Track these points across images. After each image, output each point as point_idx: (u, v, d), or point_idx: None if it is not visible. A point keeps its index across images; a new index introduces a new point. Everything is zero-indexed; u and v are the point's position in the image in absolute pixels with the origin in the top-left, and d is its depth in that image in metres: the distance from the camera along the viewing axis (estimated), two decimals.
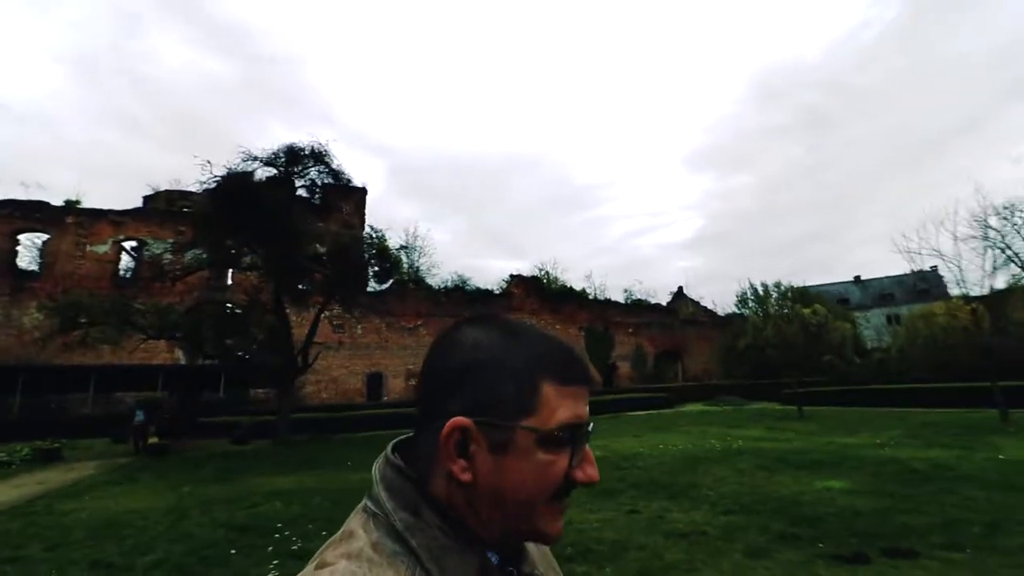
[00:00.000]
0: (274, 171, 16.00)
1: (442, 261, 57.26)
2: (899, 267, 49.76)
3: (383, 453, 0.60)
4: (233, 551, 5.10)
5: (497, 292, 32.70)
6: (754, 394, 26.79)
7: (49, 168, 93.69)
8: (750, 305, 34.14)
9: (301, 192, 17.08)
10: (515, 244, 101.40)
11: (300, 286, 17.20)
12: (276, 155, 15.92)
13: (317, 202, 18.29)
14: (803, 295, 34.21)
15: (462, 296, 31.02)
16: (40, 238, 23.64)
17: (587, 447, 0.58)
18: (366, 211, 29.04)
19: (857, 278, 56.59)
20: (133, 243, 24.99)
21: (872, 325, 48.57)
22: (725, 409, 22.57)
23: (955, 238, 14.74)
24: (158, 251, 22.89)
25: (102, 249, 23.86)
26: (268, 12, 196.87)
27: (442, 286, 31.49)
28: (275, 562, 4.63)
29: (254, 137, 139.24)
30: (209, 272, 21.46)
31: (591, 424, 0.58)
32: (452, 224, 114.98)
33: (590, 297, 35.79)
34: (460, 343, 0.58)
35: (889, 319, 48.82)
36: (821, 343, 27.71)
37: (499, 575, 0.56)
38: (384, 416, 19.81)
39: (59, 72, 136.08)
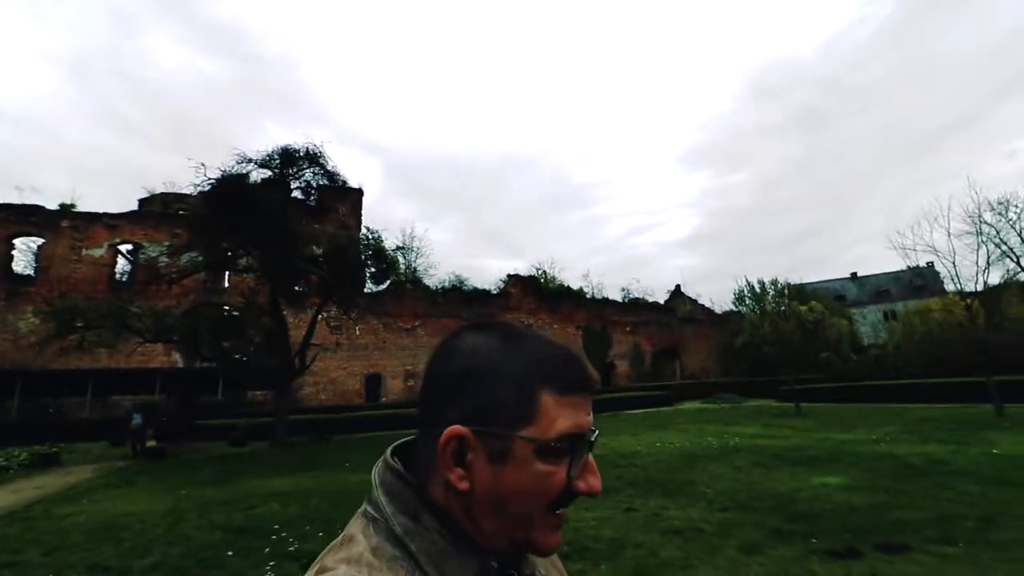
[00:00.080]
0: (269, 173, 16.00)
1: (439, 261, 57.58)
2: (895, 264, 50.08)
3: (382, 457, 0.60)
4: (230, 553, 5.10)
5: (494, 292, 32.71)
6: (752, 391, 26.89)
7: (43, 171, 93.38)
8: (747, 303, 34.21)
9: (296, 194, 17.09)
10: (513, 244, 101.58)
11: (296, 288, 17.20)
12: (271, 157, 15.92)
13: (313, 203, 18.27)
14: (800, 292, 34.31)
15: (460, 296, 31.03)
16: (35, 242, 23.55)
17: (589, 456, 0.56)
18: (362, 212, 29.02)
19: (854, 275, 56.76)
20: (129, 246, 24.92)
21: (868, 321, 48.76)
22: (723, 407, 22.64)
23: (949, 234, 14.80)
24: (154, 254, 22.87)
25: (98, 253, 23.78)
26: (264, 12, 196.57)
27: (440, 286, 31.49)
28: (272, 563, 4.64)
29: (250, 138, 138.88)
30: (205, 275, 21.43)
31: (594, 432, 0.57)
32: (449, 224, 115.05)
33: (587, 296, 35.84)
34: (460, 349, 0.57)
35: (886, 315, 49.02)
36: (818, 340, 27.78)
37: None
38: (382, 417, 19.82)
39: (54, 74, 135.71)
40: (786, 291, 33.55)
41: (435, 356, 0.59)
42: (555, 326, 32.39)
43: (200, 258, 16.63)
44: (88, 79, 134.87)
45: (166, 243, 22.50)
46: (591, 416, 0.57)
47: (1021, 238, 27.84)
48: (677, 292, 42.53)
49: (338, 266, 16.01)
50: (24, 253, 23.71)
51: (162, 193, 26.64)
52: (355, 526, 0.55)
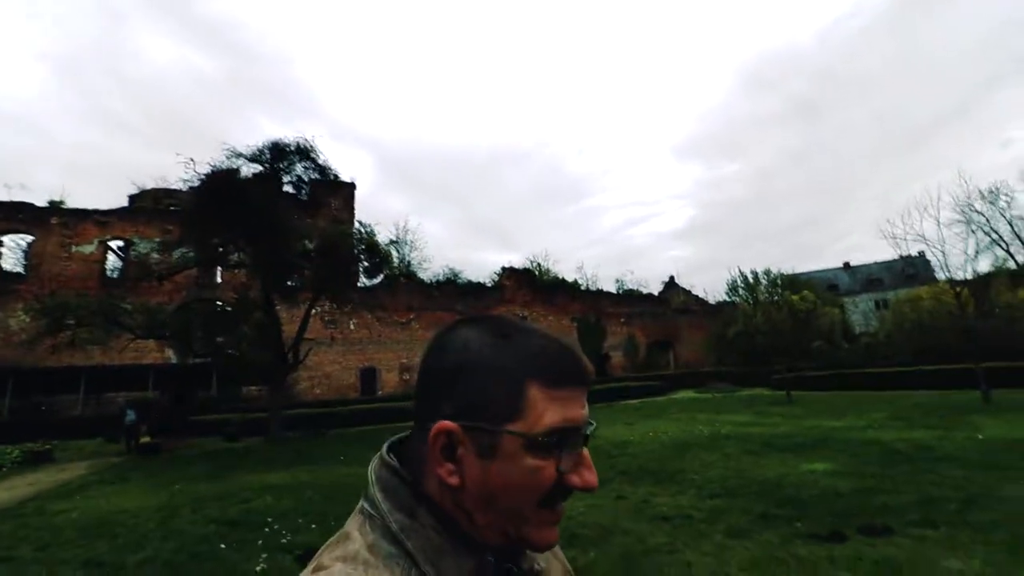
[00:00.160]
0: (259, 168, 15.88)
1: (434, 255, 57.56)
2: (888, 253, 50.32)
3: (378, 453, 0.59)
4: (223, 546, 5.13)
5: (489, 285, 32.72)
6: (745, 380, 27.09)
7: (32, 168, 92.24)
8: (740, 293, 34.40)
9: (288, 188, 16.97)
10: (507, 237, 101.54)
11: (289, 283, 17.11)
12: (261, 151, 15.80)
13: (304, 198, 18.17)
14: (792, 282, 34.52)
15: (454, 289, 31.02)
16: (25, 239, 23.33)
17: (584, 450, 0.55)
18: (355, 206, 28.91)
19: (846, 264, 57.07)
20: (119, 243, 24.72)
21: (860, 310, 49.14)
22: (716, 396, 22.82)
23: (938, 223, 14.92)
24: (145, 250, 22.70)
25: (88, 249, 23.58)
26: (256, 6, 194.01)
27: (434, 280, 31.46)
28: (264, 555, 4.68)
29: (242, 133, 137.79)
30: (197, 271, 21.31)
31: (591, 426, 0.56)
32: (443, 217, 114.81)
33: (582, 288, 35.93)
34: (453, 343, 0.57)
35: (877, 304, 49.37)
36: (810, 329, 28.04)
37: (496, 574, 0.55)
38: (377, 410, 19.86)
39: (42, 70, 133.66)
40: (779, 281, 33.75)
41: (429, 350, 0.59)
42: (550, 318, 32.48)
43: (191, 254, 16.52)
44: (77, 75, 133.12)
45: (157, 239, 22.32)
46: (586, 410, 0.56)
47: (1012, 226, 28.17)
48: (671, 283, 42.70)
49: (331, 260, 15.95)
50: (13, 251, 23.49)
51: (153, 189, 26.35)
52: (352, 523, 0.55)
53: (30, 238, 23.14)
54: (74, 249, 23.33)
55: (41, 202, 23.62)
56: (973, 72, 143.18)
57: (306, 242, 16.66)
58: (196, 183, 14.75)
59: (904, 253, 17.66)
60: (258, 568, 4.39)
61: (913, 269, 43.44)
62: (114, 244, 24.68)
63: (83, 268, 23.17)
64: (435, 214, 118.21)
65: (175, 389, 21.45)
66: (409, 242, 34.98)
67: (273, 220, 14.51)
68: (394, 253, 19.94)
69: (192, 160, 14.69)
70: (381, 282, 26.54)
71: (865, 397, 17.24)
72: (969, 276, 14.97)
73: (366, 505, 0.55)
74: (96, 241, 23.78)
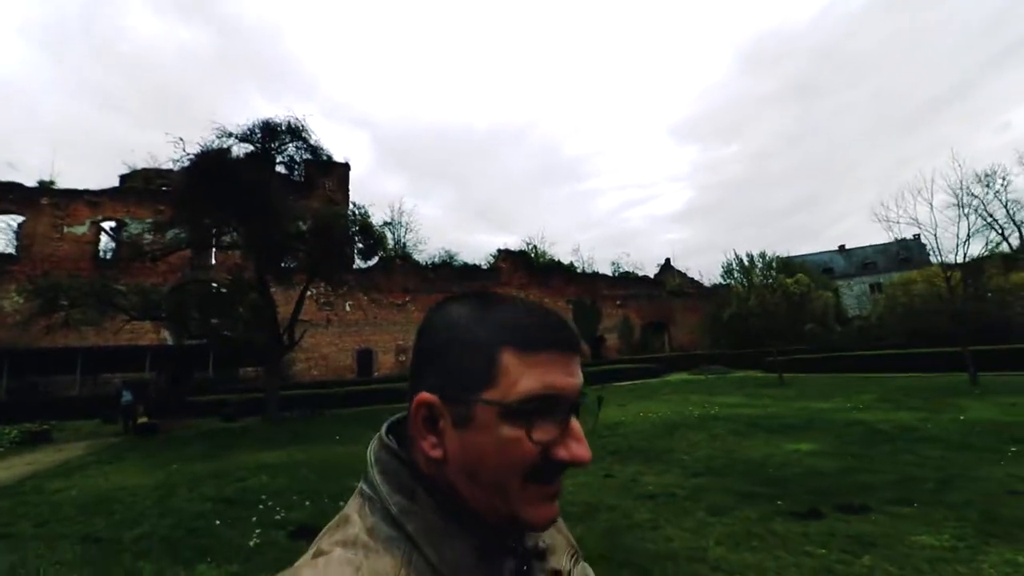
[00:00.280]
0: (251, 147, 15.73)
1: (429, 237, 57.53)
2: (883, 236, 50.42)
3: (377, 434, 0.59)
4: (218, 522, 5.25)
5: (485, 267, 32.76)
6: (738, 363, 27.39)
7: (19, 147, 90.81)
8: (735, 276, 34.54)
9: (280, 169, 16.83)
10: (503, 218, 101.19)
11: (283, 264, 17.09)
12: (252, 131, 15.64)
13: (298, 179, 18.04)
14: (787, 265, 34.67)
15: (450, 272, 31.07)
16: (15, 220, 23.14)
17: (574, 421, 0.52)
18: (350, 187, 28.72)
19: (842, 247, 57.22)
20: (112, 224, 24.56)
21: (855, 293, 49.48)
22: (708, 378, 23.09)
23: (931, 207, 14.95)
24: (137, 231, 22.56)
25: (80, 230, 23.44)
26: None
27: (430, 262, 31.50)
28: (258, 531, 4.79)
29: (236, 111, 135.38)
30: (191, 252, 21.24)
31: (582, 395, 0.54)
32: (439, 199, 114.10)
33: (578, 270, 36.04)
34: (440, 320, 0.56)
35: (872, 288, 49.69)
36: (803, 312, 28.25)
37: (499, 553, 0.54)
38: (373, 391, 20.04)
39: (26, 44, 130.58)
40: (774, 264, 33.88)
41: (420, 329, 0.58)
42: (545, 300, 32.55)
43: (184, 235, 16.45)
44: (63, 50, 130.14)
45: (149, 220, 22.14)
46: (575, 378, 0.53)
47: (1007, 209, 28.25)
48: (667, 266, 42.82)
49: (324, 242, 15.90)
50: (5, 231, 23.32)
51: (144, 169, 26.08)
52: (352, 506, 0.54)
53: (21, 219, 22.96)
54: (66, 230, 23.19)
55: (31, 182, 23.40)
56: (971, 54, 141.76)
57: (300, 223, 16.59)
58: (186, 163, 14.62)
59: (897, 237, 17.74)
60: (251, 543, 4.50)
61: (908, 252, 43.64)
62: (106, 225, 24.52)
63: (75, 249, 23.06)
64: (431, 196, 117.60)
65: (172, 370, 21.55)
66: (405, 224, 34.96)
67: (265, 200, 14.40)
68: (389, 235, 19.94)
69: (182, 140, 14.53)
70: (377, 264, 26.56)
71: (855, 379, 17.47)
72: (961, 259, 15.05)
73: (365, 487, 0.55)
74: (88, 222, 23.63)
